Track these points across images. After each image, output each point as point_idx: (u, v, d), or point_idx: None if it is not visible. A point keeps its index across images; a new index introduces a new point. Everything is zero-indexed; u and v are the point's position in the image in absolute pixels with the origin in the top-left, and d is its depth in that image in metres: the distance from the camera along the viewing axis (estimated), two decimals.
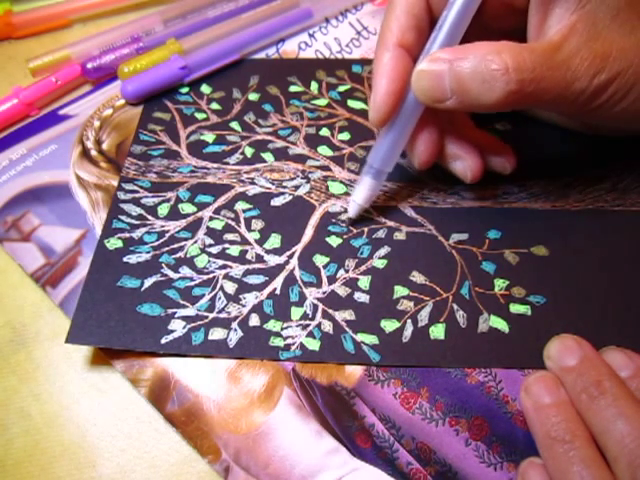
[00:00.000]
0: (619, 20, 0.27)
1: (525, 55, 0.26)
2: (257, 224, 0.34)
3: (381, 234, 0.33)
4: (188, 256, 0.32)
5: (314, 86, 0.41)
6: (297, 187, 0.35)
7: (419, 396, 0.28)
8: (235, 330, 0.30)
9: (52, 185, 0.36)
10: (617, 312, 0.30)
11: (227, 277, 0.31)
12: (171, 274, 0.31)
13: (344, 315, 0.30)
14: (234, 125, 0.39)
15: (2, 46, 0.46)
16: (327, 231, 0.33)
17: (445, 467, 0.26)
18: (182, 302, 0.30)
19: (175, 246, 0.33)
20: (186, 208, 0.34)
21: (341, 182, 0.35)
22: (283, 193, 0.35)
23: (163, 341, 0.29)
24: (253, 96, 0.40)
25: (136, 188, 0.35)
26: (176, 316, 0.30)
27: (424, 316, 0.30)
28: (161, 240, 0.33)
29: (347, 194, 0.35)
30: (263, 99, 0.40)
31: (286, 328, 0.30)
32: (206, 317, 0.30)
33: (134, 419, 0.28)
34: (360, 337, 0.29)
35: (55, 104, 0.41)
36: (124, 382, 0.29)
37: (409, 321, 0.30)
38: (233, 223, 0.34)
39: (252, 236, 0.33)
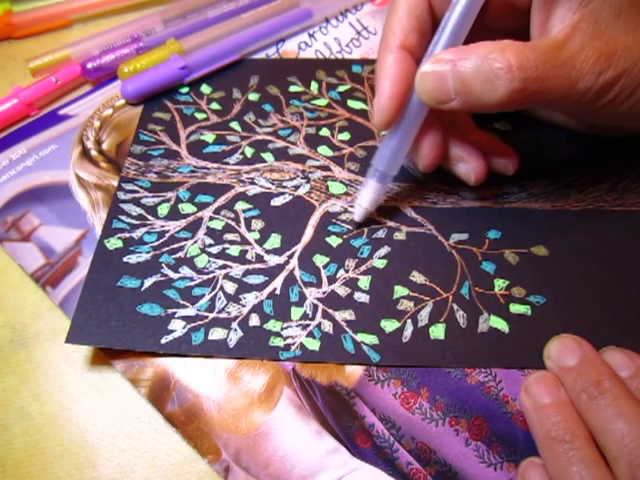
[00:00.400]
0: (622, 18, 0.27)
1: (529, 53, 0.26)
2: (257, 224, 0.34)
3: (381, 234, 0.33)
4: (188, 256, 0.32)
5: (314, 86, 0.41)
6: (297, 187, 0.35)
7: (419, 396, 0.28)
8: (235, 330, 0.30)
9: (52, 185, 0.36)
10: (617, 312, 0.30)
11: (227, 277, 0.31)
12: (171, 274, 0.32)
13: (344, 315, 0.30)
14: (234, 125, 0.39)
15: (2, 46, 0.46)
16: (327, 231, 0.33)
17: (445, 467, 0.26)
18: (182, 302, 0.30)
19: (175, 246, 0.33)
20: (186, 208, 0.34)
21: (341, 182, 0.35)
22: (283, 193, 0.35)
23: (163, 341, 0.29)
24: (253, 96, 0.40)
25: (136, 188, 0.35)
26: (176, 316, 0.30)
27: (424, 316, 0.30)
28: (161, 240, 0.33)
29: (347, 194, 0.35)
30: (263, 99, 0.40)
31: (286, 328, 0.30)
32: (206, 317, 0.30)
33: (134, 419, 0.28)
34: (360, 337, 0.29)
35: (55, 104, 0.41)
36: (124, 382, 0.29)
37: (409, 321, 0.30)
38: (233, 223, 0.34)
39: (252, 236, 0.33)
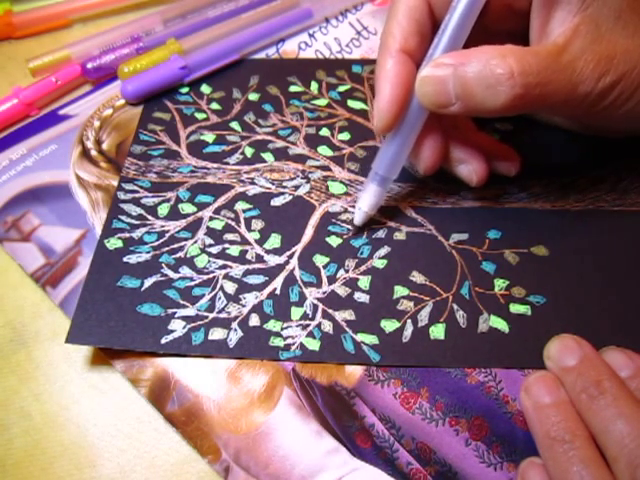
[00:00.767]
0: (622, 22, 0.27)
1: (530, 58, 0.26)
2: (257, 224, 0.34)
3: (381, 234, 0.33)
4: (188, 256, 0.32)
5: (314, 86, 0.41)
6: (297, 187, 0.35)
7: (419, 396, 0.28)
8: (235, 330, 0.30)
9: (52, 185, 0.36)
10: (617, 312, 0.30)
11: (227, 277, 0.31)
12: (171, 274, 0.32)
13: (344, 315, 0.30)
14: (234, 125, 0.39)
15: (2, 46, 0.46)
16: (327, 231, 0.33)
17: (445, 467, 0.26)
18: (182, 302, 0.30)
19: (175, 246, 0.33)
20: (186, 208, 0.34)
21: (341, 182, 0.35)
22: (283, 193, 0.35)
23: (163, 341, 0.29)
24: (253, 96, 0.40)
25: (136, 188, 0.35)
26: (176, 316, 0.30)
27: (424, 316, 0.30)
28: (161, 240, 0.33)
29: (347, 194, 0.35)
30: (263, 99, 0.40)
31: (286, 328, 0.30)
32: (206, 317, 0.30)
33: (134, 419, 0.28)
34: (360, 337, 0.29)
35: (55, 104, 0.41)
36: (124, 382, 0.29)
37: (409, 321, 0.30)
38: (233, 223, 0.34)
39: (252, 236, 0.33)
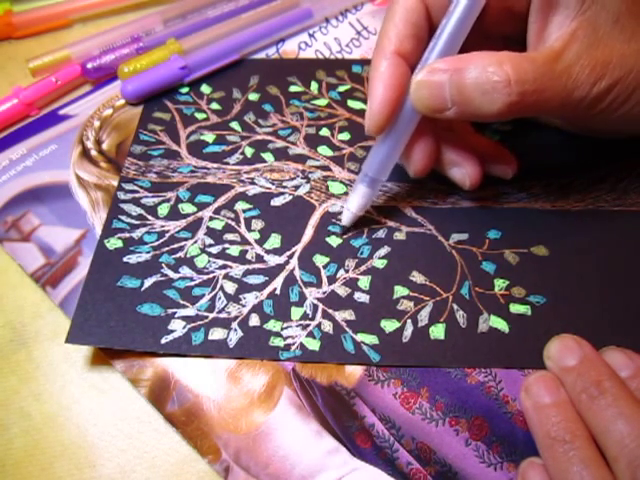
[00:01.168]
0: (619, 26, 0.27)
1: (526, 66, 0.26)
2: (257, 224, 0.34)
3: (381, 234, 0.33)
4: (188, 256, 0.32)
5: (314, 86, 0.41)
6: (297, 187, 0.35)
7: (419, 396, 0.28)
8: (235, 330, 0.30)
9: (52, 185, 0.37)
10: (617, 312, 0.30)
11: (227, 277, 0.31)
12: (171, 274, 0.32)
13: (344, 315, 0.30)
14: (234, 125, 0.39)
15: (2, 46, 0.46)
16: (327, 231, 0.33)
17: (445, 467, 0.26)
18: (182, 302, 0.30)
19: (175, 246, 0.33)
20: (186, 208, 0.34)
21: (341, 182, 0.35)
22: (283, 193, 0.35)
23: (163, 341, 0.29)
24: (253, 96, 0.40)
25: (136, 188, 0.35)
26: (176, 316, 0.30)
27: (424, 316, 0.30)
28: (161, 240, 0.33)
29: (347, 194, 0.35)
30: (263, 99, 0.40)
31: (286, 328, 0.30)
32: (206, 317, 0.30)
33: (134, 419, 0.28)
34: (360, 337, 0.29)
35: (55, 104, 0.41)
36: (124, 382, 0.29)
37: (409, 321, 0.30)
38: (233, 223, 0.34)
39: (252, 236, 0.33)
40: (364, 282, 0.31)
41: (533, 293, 0.30)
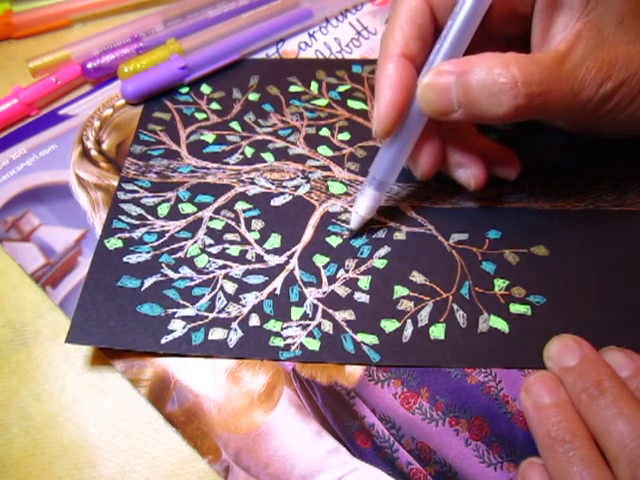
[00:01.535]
0: (624, 27, 0.27)
1: (533, 67, 0.26)
2: (257, 224, 0.34)
3: (381, 234, 0.33)
4: (188, 256, 0.32)
5: (314, 86, 0.41)
6: (297, 187, 0.35)
7: (419, 396, 0.28)
8: (235, 330, 0.30)
9: (52, 185, 0.36)
10: (617, 312, 0.30)
11: (227, 277, 0.31)
12: (171, 274, 0.32)
13: (344, 315, 0.30)
14: (234, 125, 0.39)
15: (2, 46, 0.46)
16: (327, 231, 0.33)
17: (445, 467, 0.26)
18: (182, 302, 0.30)
19: (175, 246, 0.33)
20: (186, 208, 0.34)
21: (341, 182, 0.35)
22: (283, 193, 0.35)
23: (163, 341, 0.29)
24: (253, 96, 0.40)
25: (136, 188, 0.35)
26: (176, 316, 0.30)
27: (424, 316, 0.30)
28: (161, 240, 0.33)
29: (347, 194, 0.35)
30: (263, 99, 0.40)
31: (286, 328, 0.30)
32: (206, 317, 0.30)
33: (134, 419, 0.28)
34: (360, 337, 0.29)
35: (55, 104, 0.41)
36: (124, 382, 0.29)
37: (409, 321, 0.30)
38: (233, 223, 0.34)
39: (252, 236, 0.33)
40: (364, 282, 0.31)
41: (533, 293, 0.30)
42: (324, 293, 0.31)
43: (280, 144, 0.38)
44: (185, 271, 0.32)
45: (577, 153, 0.36)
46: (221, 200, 0.35)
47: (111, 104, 0.41)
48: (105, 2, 0.47)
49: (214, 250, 0.33)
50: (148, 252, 0.32)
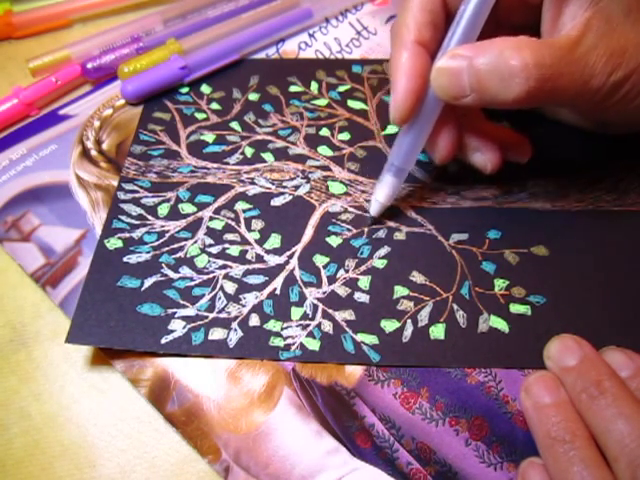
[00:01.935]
0: (632, 17, 0.27)
1: (544, 51, 0.26)
2: (257, 224, 0.34)
3: (381, 234, 0.33)
4: (188, 256, 0.32)
5: (314, 86, 0.41)
6: (297, 187, 0.35)
7: (419, 396, 0.28)
8: (235, 330, 0.30)
9: (52, 185, 0.36)
10: (617, 312, 0.30)
11: (227, 277, 0.31)
12: (171, 274, 0.31)
13: (344, 315, 0.30)
14: (234, 125, 0.39)
15: (2, 46, 0.46)
16: (327, 231, 0.33)
17: (445, 467, 0.26)
18: (182, 302, 0.30)
19: (175, 246, 0.33)
20: (186, 208, 0.34)
21: (341, 182, 0.35)
22: (283, 193, 0.35)
23: (163, 341, 0.29)
24: (253, 96, 0.40)
25: (136, 188, 0.35)
26: (176, 316, 0.30)
27: (424, 316, 0.30)
28: (161, 240, 0.33)
29: (347, 194, 0.35)
30: (263, 99, 0.40)
31: (286, 328, 0.30)
32: (206, 317, 0.30)
33: (134, 419, 0.28)
34: (360, 337, 0.29)
35: (55, 104, 0.41)
36: (124, 382, 0.29)
37: (409, 321, 0.30)
38: (233, 223, 0.34)
39: (252, 236, 0.33)
40: (364, 282, 0.31)
41: (533, 293, 0.30)
42: (324, 293, 0.31)
43: (280, 144, 0.38)
44: (185, 271, 0.32)
45: (577, 153, 0.36)
46: (221, 200, 0.35)
47: (111, 104, 0.41)
48: (105, 2, 0.47)
49: (214, 250, 0.33)
50: (148, 252, 0.32)
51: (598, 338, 0.26)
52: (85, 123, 0.40)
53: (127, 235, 0.33)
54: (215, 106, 0.40)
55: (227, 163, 0.37)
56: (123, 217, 0.34)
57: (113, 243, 0.33)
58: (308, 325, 0.30)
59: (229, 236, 0.33)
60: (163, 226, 0.34)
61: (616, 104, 0.29)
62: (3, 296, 0.33)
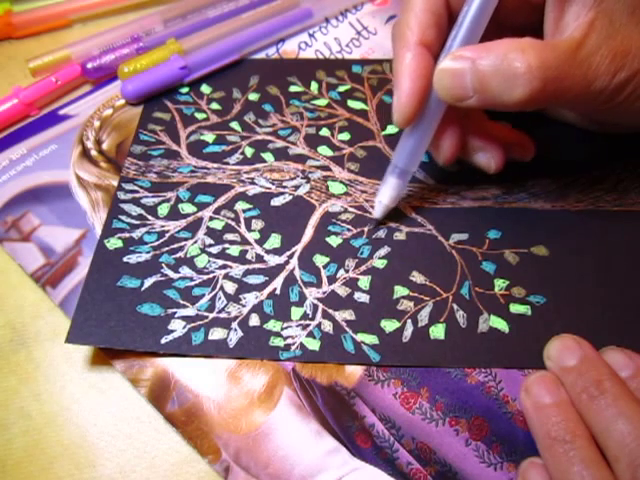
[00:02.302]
0: (636, 18, 0.27)
1: (548, 53, 0.26)
2: (257, 224, 0.34)
3: (381, 234, 0.33)
4: (188, 256, 0.32)
5: (314, 86, 0.41)
6: (297, 187, 0.35)
7: (419, 396, 0.28)
8: (235, 330, 0.30)
9: (52, 185, 0.36)
10: (617, 312, 0.30)
11: (227, 277, 0.31)
12: (171, 274, 0.31)
13: (344, 315, 0.30)
14: (234, 125, 0.39)
15: (2, 46, 0.46)
16: (327, 231, 0.33)
17: (445, 467, 0.26)
18: (182, 302, 0.30)
19: (175, 246, 0.33)
20: (186, 208, 0.34)
21: (341, 182, 0.35)
22: (283, 193, 0.35)
23: (163, 341, 0.29)
24: (253, 96, 0.40)
25: (136, 188, 0.35)
26: (176, 316, 0.30)
27: (424, 316, 0.30)
28: (161, 240, 0.33)
29: (347, 194, 0.35)
30: (263, 99, 0.40)
31: (286, 328, 0.30)
32: (206, 317, 0.30)
33: (134, 419, 0.28)
34: (360, 337, 0.29)
35: (55, 104, 0.41)
36: (124, 382, 0.29)
37: (409, 321, 0.30)
38: (233, 223, 0.34)
39: (252, 236, 0.33)
40: (364, 282, 0.31)
41: (533, 293, 0.30)
42: (324, 293, 0.31)
43: (280, 144, 0.38)
44: (185, 271, 0.32)
45: (577, 153, 0.36)
46: (221, 200, 0.35)
47: (111, 104, 0.41)
48: (105, 2, 0.47)
49: (214, 250, 0.33)
50: (148, 252, 0.32)
51: (598, 338, 0.26)
52: (85, 123, 0.40)
53: (127, 235, 0.33)
54: (215, 106, 0.40)
55: (227, 163, 0.37)
56: (123, 217, 0.34)
57: (113, 243, 0.33)
58: (308, 325, 0.30)
59: (229, 236, 0.33)
60: (163, 226, 0.34)
61: (619, 105, 0.29)
62: (3, 296, 0.33)
